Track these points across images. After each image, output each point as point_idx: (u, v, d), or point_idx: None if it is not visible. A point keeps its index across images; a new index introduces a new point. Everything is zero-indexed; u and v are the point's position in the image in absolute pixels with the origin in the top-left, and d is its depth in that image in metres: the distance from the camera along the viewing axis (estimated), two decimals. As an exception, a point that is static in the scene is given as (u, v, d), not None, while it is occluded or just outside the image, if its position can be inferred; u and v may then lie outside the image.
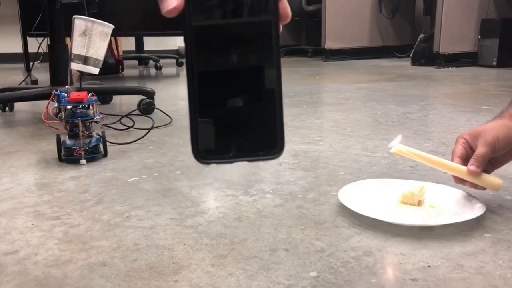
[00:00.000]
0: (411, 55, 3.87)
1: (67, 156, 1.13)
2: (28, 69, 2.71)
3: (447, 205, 0.82)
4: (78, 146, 1.13)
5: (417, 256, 0.66)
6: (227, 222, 0.78)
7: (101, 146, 1.17)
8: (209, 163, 0.31)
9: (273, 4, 0.30)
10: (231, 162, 0.31)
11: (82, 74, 1.35)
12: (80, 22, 1.28)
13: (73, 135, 1.15)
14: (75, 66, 1.30)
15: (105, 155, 1.19)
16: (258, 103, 0.30)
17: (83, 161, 1.14)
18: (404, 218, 0.78)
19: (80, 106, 1.14)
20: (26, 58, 2.76)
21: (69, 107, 1.14)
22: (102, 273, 0.63)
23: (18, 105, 1.96)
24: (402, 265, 0.64)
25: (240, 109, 0.30)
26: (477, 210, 0.77)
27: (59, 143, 1.15)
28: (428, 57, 3.67)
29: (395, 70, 3.42)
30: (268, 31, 0.30)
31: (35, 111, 1.94)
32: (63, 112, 1.14)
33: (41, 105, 1.94)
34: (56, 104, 1.17)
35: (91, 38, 1.28)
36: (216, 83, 0.30)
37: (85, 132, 1.15)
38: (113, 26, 1.35)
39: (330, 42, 4.33)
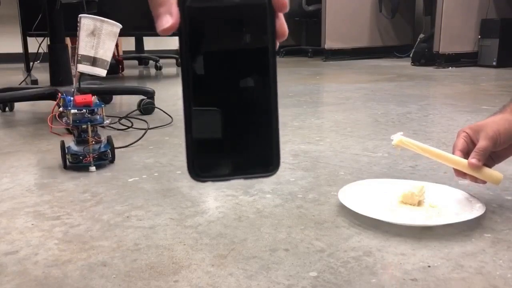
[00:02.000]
0: (411, 55, 3.87)
1: (74, 163, 1.07)
2: (28, 69, 2.71)
3: (447, 205, 0.82)
4: (88, 152, 1.06)
5: (417, 256, 0.66)
6: (227, 222, 0.78)
7: (109, 151, 1.12)
8: (205, 181, 0.31)
9: (270, 22, 0.30)
10: (227, 180, 0.31)
11: (81, 74, 1.29)
12: (88, 22, 1.22)
13: (81, 140, 1.08)
14: (83, 68, 1.24)
15: (113, 160, 1.13)
16: (254, 121, 0.31)
17: (93, 168, 1.07)
18: (404, 218, 0.78)
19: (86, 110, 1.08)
20: (26, 58, 2.76)
21: (74, 111, 1.07)
22: (102, 273, 0.63)
23: (18, 105, 1.96)
24: (402, 265, 0.64)
25: (236, 127, 0.30)
26: (477, 210, 0.77)
27: (64, 150, 1.08)
28: (428, 57, 3.67)
29: (395, 70, 3.42)
30: (264, 49, 0.30)
31: (35, 111, 1.94)
32: (70, 117, 1.07)
33: (41, 105, 1.95)
34: (61, 108, 1.10)
35: (100, 38, 1.22)
36: (212, 101, 0.30)
37: (95, 137, 1.08)
38: (121, 26, 1.28)
39: (330, 42, 4.33)
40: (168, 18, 0.29)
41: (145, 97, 1.81)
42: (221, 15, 0.29)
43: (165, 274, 0.62)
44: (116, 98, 2.18)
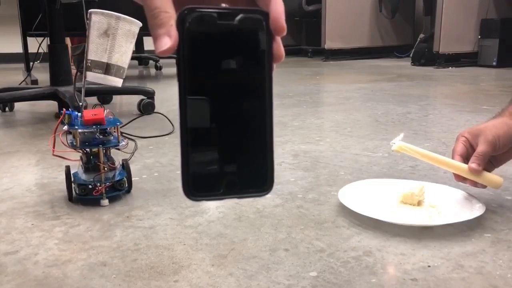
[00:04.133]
0: (411, 55, 3.87)
1: (82, 195, 0.86)
2: (28, 69, 2.71)
3: (447, 205, 0.82)
4: (99, 182, 0.85)
5: (417, 256, 0.66)
6: (227, 222, 0.78)
7: (125, 179, 0.90)
8: (199, 200, 0.31)
9: (267, 45, 0.30)
10: (221, 199, 0.31)
11: (80, 73, 1.09)
12: (100, 19, 0.98)
13: (91, 167, 0.87)
14: (93, 77, 1.01)
15: (129, 190, 0.92)
16: (250, 142, 0.31)
17: (105, 202, 0.86)
18: (404, 218, 0.78)
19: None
20: (26, 58, 2.76)
21: (83, 130, 0.87)
22: (102, 273, 0.63)
23: (18, 105, 1.96)
24: (402, 265, 0.64)
25: (231, 147, 0.31)
26: (477, 210, 0.77)
27: (69, 178, 0.88)
28: (428, 57, 3.67)
29: (395, 70, 3.42)
30: (261, 72, 0.31)
31: (35, 111, 1.94)
32: (77, 138, 0.86)
33: (41, 105, 1.95)
34: (65, 127, 0.87)
35: (115, 40, 0.98)
36: (208, 122, 0.30)
37: (108, 163, 0.87)
38: (141, 24, 1.04)
39: (330, 42, 4.33)
40: (167, 40, 0.29)
41: (145, 97, 1.81)
42: (220, 37, 0.30)
43: (165, 274, 0.62)
44: (116, 98, 2.18)
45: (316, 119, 1.68)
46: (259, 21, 0.30)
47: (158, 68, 3.79)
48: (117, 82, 1.05)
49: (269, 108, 0.31)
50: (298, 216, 0.81)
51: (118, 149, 0.92)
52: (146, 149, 1.27)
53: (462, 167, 0.79)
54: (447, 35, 3.54)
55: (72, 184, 0.88)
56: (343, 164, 1.11)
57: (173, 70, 3.88)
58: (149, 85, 2.07)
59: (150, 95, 1.83)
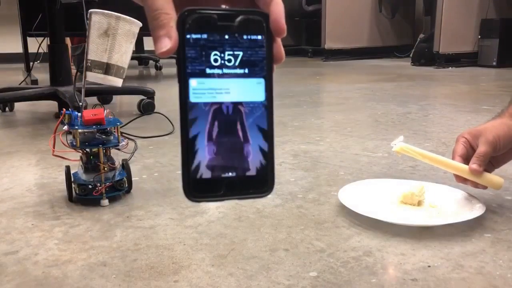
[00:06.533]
0: (411, 55, 3.88)
1: (82, 195, 0.86)
2: (28, 69, 2.71)
3: (447, 205, 0.82)
4: (99, 182, 0.85)
5: (417, 256, 0.66)
6: (227, 222, 0.78)
7: (125, 179, 0.90)
8: (199, 201, 0.31)
9: (267, 46, 0.31)
10: (221, 200, 0.31)
11: (81, 73, 1.09)
12: (100, 19, 0.98)
13: (91, 167, 0.87)
14: (93, 77, 1.00)
15: (129, 191, 0.92)
16: (250, 143, 0.31)
17: (105, 202, 0.86)
18: (404, 218, 0.78)
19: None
20: (26, 58, 2.76)
21: (81, 130, 0.86)
22: (102, 273, 0.63)
23: (18, 105, 1.96)
24: (402, 265, 0.64)
25: (232, 149, 0.31)
26: (477, 210, 0.77)
27: (69, 178, 0.88)
28: (428, 57, 3.67)
29: (395, 70, 3.42)
30: (261, 72, 0.31)
31: (35, 111, 1.94)
32: (77, 138, 0.86)
33: (41, 105, 1.95)
34: (65, 127, 0.87)
35: (115, 40, 0.98)
36: (208, 124, 0.30)
37: (108, 163, 0.87)
38: (141, 24, 1.04)
39: (330, 42, 4.33)
40: (167, 41, 0.30)
41: (145, 97, 1.81)
42: (220, 39, 0.30)
43: (165, 274, 0.62)
44: (116, 98, 2.18)
45: (316, 119, 1.68)
46: (259, 22, 0.30)
47: (158, 68, 3.79)
48: (117, 82, 1.05)
49: (270, 110, 0.31)
50: (298, 216, 0.81)
51: (118, 149, 0.93)
52: (146, 149, 1.27)
53: (463, 168, 0.79)
54: (447, 35, 3.55)
55: (72, 184, 0.88)
56: (343, 164, 1.11)
57: (173, 70, 3.89)
58: (149, 85, 2.07)
59: (150, 95, 1.83)
